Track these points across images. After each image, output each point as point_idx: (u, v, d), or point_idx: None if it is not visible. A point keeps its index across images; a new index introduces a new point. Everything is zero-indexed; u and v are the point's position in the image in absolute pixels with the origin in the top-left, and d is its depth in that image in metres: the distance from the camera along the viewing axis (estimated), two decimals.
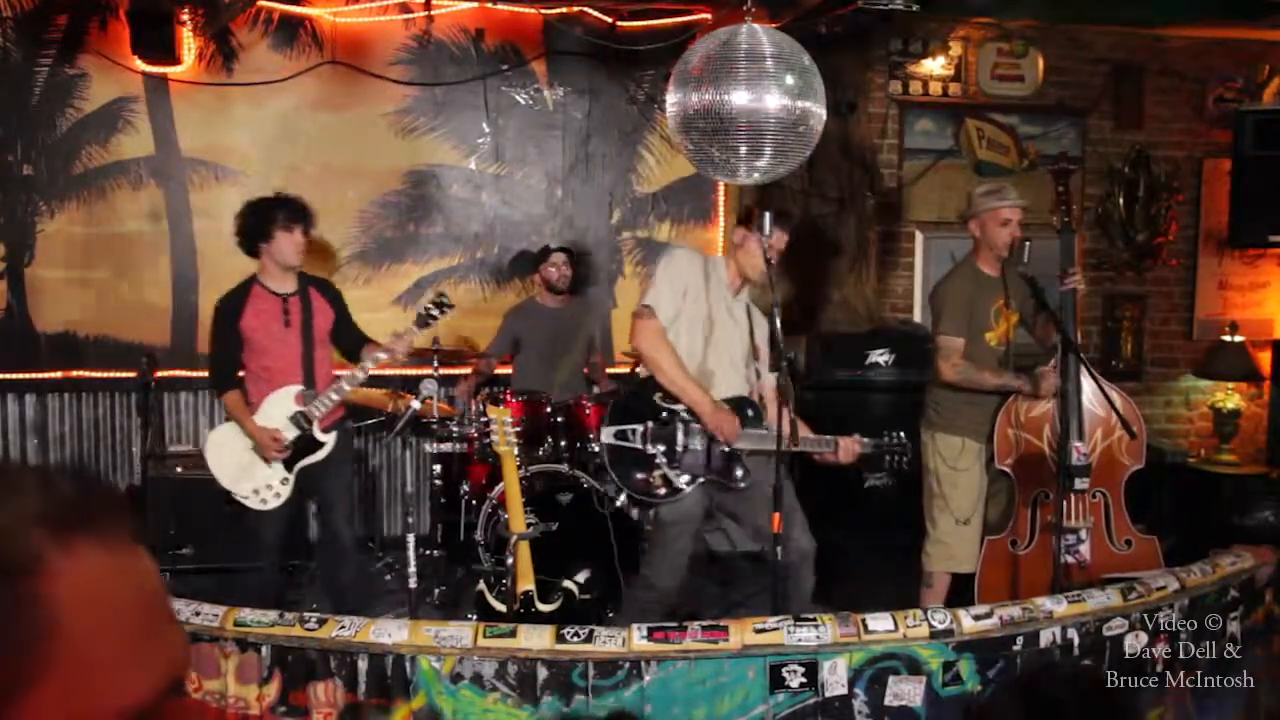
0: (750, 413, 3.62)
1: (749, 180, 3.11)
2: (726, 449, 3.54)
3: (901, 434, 3.66)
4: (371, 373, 3.88)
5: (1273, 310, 6.45)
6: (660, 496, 3.57)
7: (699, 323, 3.65)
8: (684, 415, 3.56)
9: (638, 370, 3.77)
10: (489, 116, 5.77)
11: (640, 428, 3.56)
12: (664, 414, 3.58)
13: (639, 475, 3.56)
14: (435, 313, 3.92)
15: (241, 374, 3.92)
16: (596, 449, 4.52)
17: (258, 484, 3.85)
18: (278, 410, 3.85)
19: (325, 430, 3.92)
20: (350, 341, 4.07)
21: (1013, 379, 3.98)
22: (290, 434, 3.84)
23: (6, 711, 0.58)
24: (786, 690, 2.59)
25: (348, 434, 4.12)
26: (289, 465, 3.87)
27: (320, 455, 3.91)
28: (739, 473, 3.58)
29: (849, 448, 3.58)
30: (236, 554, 4.77)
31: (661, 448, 3.55)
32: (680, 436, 3.55)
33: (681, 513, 3.61)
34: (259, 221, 3.85)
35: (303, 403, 3.85)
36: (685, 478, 3.56)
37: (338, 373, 3.99)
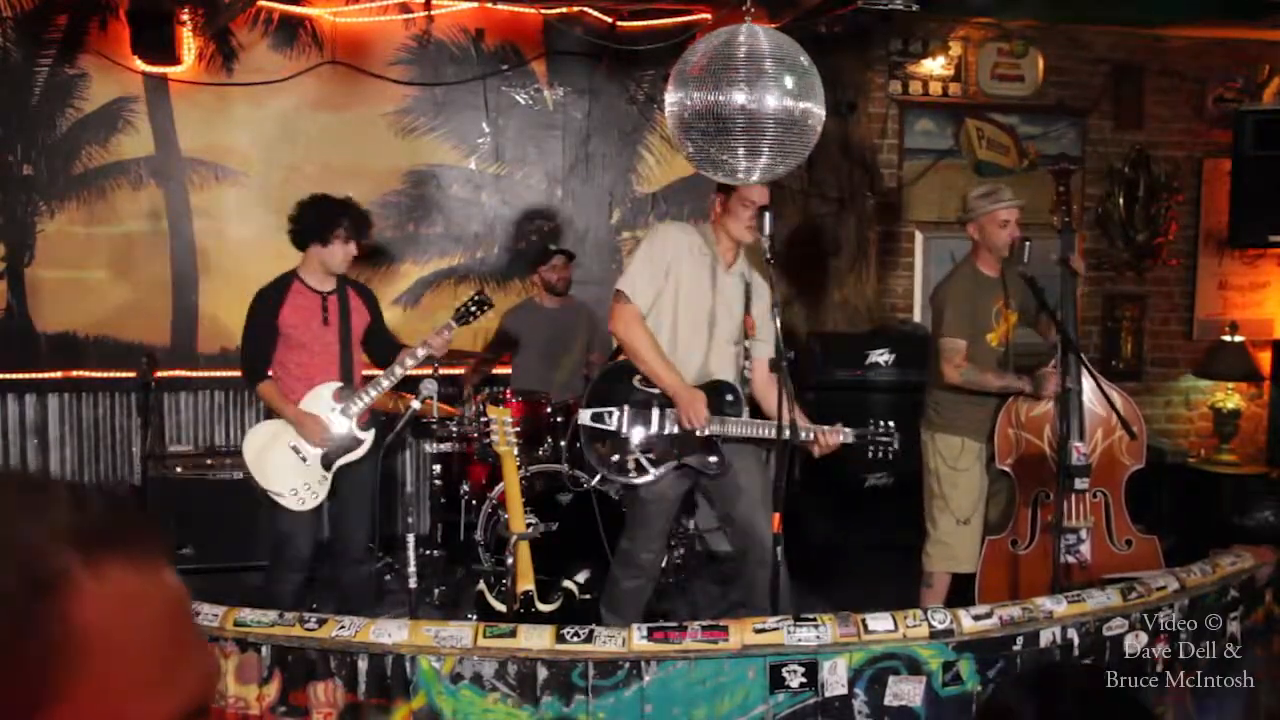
0: (729, 397, 3.57)
1: (748, 181, 3.10)
2: (699, 434, 3.50)
3: (890, 423, 3.55)
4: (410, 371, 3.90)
5: (1273, 310, 6.45)
6: (632, 479, 3.57)
7: (702, 308, 3.59)
8: (660, 399, 3.55)
9: (619, 355, 3.76)
10: (489, 116, 5.78)
11: (616, 410, 3.56)
12: (640, 397, 3.57)
13: (614, 458, 3.56)
14: (475, 310, 3.91)
15: (272, 372, 3.90)
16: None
17: (295, 483, 3.82)
18: (316, 406, 3.85)
19: (364, 428, 3.92)
20: (382, 347, 4.07)
21: (1015, 381, 3.98)
22: (333, 428, 3.85)
23: None
24: (786, 690, 2.59)
25: (379, 434, 4.08)
26: (327, 464, 3.86)
27: (359, 453, 3.91)
28: (713, 459, 3.56)
29: (828, 441, 3.47)
30: (237, 554, 4.79)
31: (636, 431, 3.55)
32: (655, 420, 3.55)
33: (657, 493, 3.61)
34: (321, 223, 3.83)
35: (341, 399, 3.86)
36: (657, 461, 3.55)
37: (367, 373, 4.00)
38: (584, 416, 3.60)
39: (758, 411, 3.68)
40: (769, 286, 3.67)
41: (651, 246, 3.61)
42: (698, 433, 3.50)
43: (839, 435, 3.50)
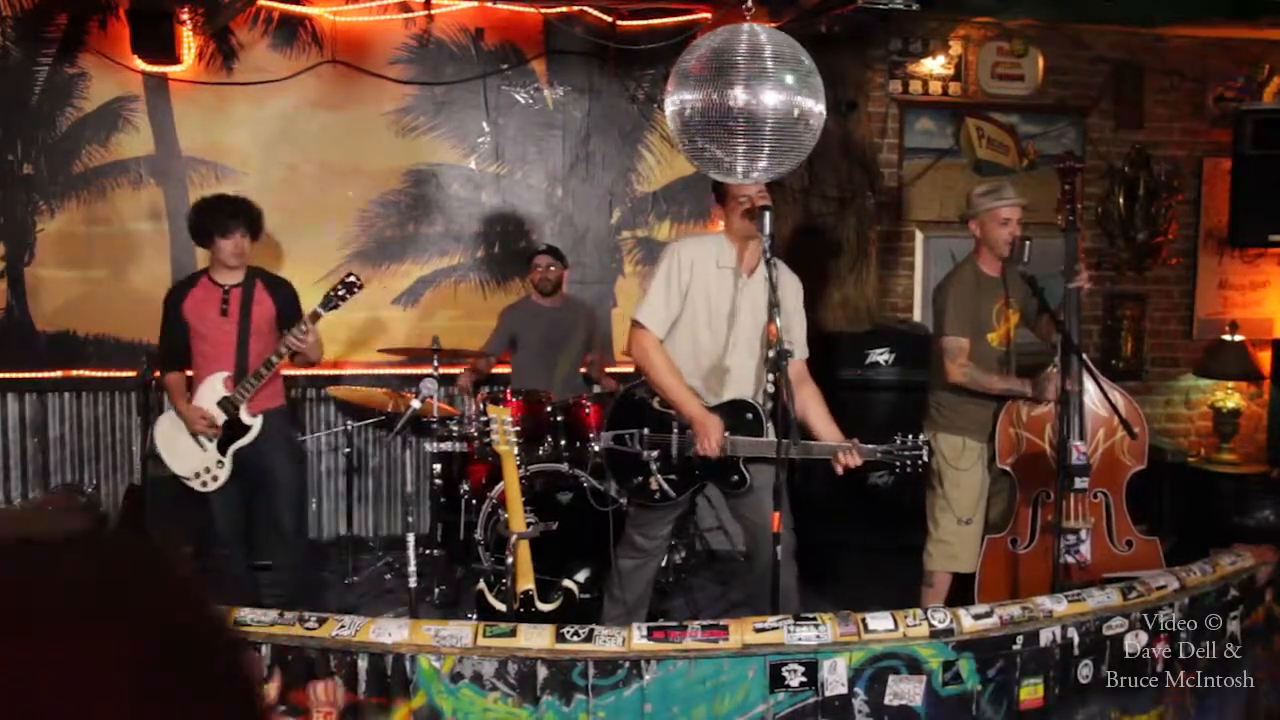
0: (749, 416, 3.51)
1: (748, 180, 3.10)
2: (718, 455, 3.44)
3: (919, 437, 3.38)
4: (300, 360, 4.12)
5: (1272, 310, 6.45)
6: (655, 501, 3.56)
7: (723, 322, 3.56)
8: (680, 420, 3.52)
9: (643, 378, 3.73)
10: (489, 116, 5.78)
11: (637, 433, 3.55)
12: (660, 419, 3.55)
13: (636, 480, 3.56)
14: (343, 293, 3.98)
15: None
16: (596, 448, 4.52)
17: (198, 467, 4.10)
18: (209, 393, 4.08)
19: (254, 414, 4.10)
20: None
21: (1017, 384, 3.97)
22: (221, 417, 4.06)
23: None
24: (786, 690, 2.58)
25: (281, 419, 4.26)
26: (222, 448, 4.09)
27: (248, 439, 4.10)
28: (735, 478, 3.52)
29: (847, 460, 3.35)
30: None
31: (656, 453, 3.53)
32: (675, 442, 3.52)
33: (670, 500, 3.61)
34: (201, 226, 4.08)
35: (230, 388, 4.06)
36: (680, 485, 3.54)
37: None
38: (605, 439, 3.60)
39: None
40: (796, 281, 3.66)
41: (668, 272, 3.53)
42: (712, 457, 3.44)
43: (857, 457, 3.35)
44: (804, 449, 3.32)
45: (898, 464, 3.37)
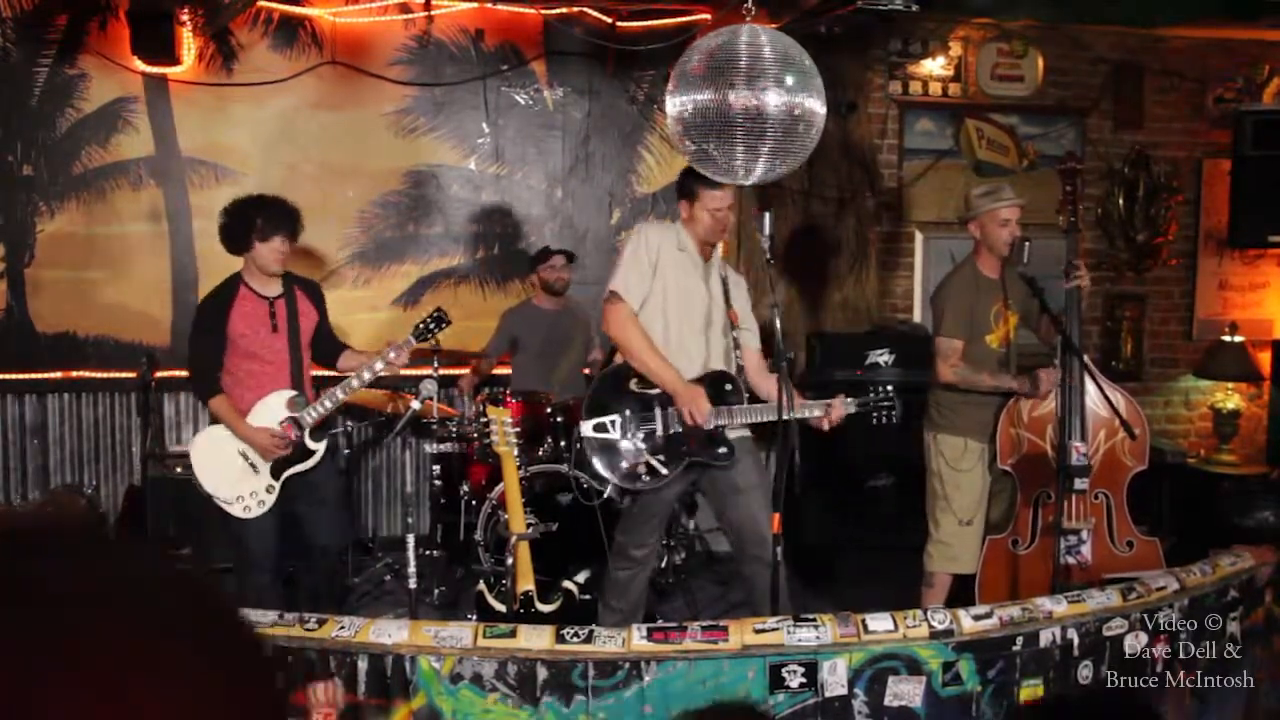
0: (728, 387, 3.60)
1: (748, 181, 3.10)
2: (705, 427, 3.51)
3: (888, 387, 3.64)
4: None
5: (1272, 310, 6.45)
6: (646, 484, 3.56)
7: (694, 303, 3.63)
8: (660, 399, 3.55)
9: (615, 358, 3.76)
10: (489, 116, 5.78)
11: (617, 417, 3.55)
12: (639, 400, 3.57)
13: (623, 465, 3.55)
14: (434, 326, 3.84)
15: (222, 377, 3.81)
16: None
17: (242, 491, 3.74)
18: (269, 416, 3.75)
19: (314, 438, 3.84)
20: (327, 345, 3.99)
21: (1010, 380, 3.98)
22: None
23: None
24: (786, 690, 2.58)
25: (334, 440, 4.09)
26: (276, 473, 3.78)
27: (310, 463, 3.83)
28: (721, 450, 3.56)
29: (837, 411, 3.55)
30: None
31: (641, 435, 3.54)
32: (658, 421, 3.55)
33: (657, 493, 3.62)
34: (237, 230, 3.70)
35: (294, 409, 3.77)
36: (668, 463, 3.55)
37: (316, 373, 3.95)
38: (585, 429, 3.59)
39: (755, 400, 3.68)
40: (744, 280, 3.75)
41: (637, 247, 3.63)
42: (703, 426, 3.49)
43: (842, 407, 3.56)
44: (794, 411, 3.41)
45: (874, 413, 3.61)
